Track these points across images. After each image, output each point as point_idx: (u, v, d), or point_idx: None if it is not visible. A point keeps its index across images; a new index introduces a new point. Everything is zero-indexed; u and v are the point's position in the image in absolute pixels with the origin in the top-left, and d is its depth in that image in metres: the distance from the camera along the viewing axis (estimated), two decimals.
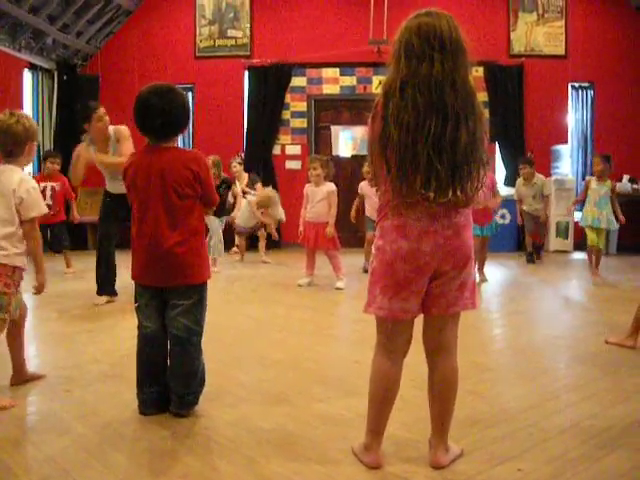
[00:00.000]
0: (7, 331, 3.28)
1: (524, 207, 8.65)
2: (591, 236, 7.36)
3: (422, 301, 2.31)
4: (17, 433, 2.76)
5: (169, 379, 2.88)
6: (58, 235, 7.71)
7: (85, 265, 8.21)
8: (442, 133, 2.11)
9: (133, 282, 2.98)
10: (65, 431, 2.73)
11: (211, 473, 2.35)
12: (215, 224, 7.49)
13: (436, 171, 2.12)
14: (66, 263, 7.73)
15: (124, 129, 5.51)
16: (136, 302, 2.92)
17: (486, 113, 10.01)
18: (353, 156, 10.50)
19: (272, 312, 5.47)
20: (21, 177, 3.14)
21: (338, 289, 6.50)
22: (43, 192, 7.39)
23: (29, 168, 5.24)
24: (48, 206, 7.27)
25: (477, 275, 6.68)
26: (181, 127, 2.92)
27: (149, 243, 2.81)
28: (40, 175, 8.00)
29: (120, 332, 4.54)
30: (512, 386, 3.37)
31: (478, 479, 2.28)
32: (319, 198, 6.60)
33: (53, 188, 7.73)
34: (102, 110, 5.44)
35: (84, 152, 5.55)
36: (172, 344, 2.86)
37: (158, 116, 2.80)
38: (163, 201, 2.79)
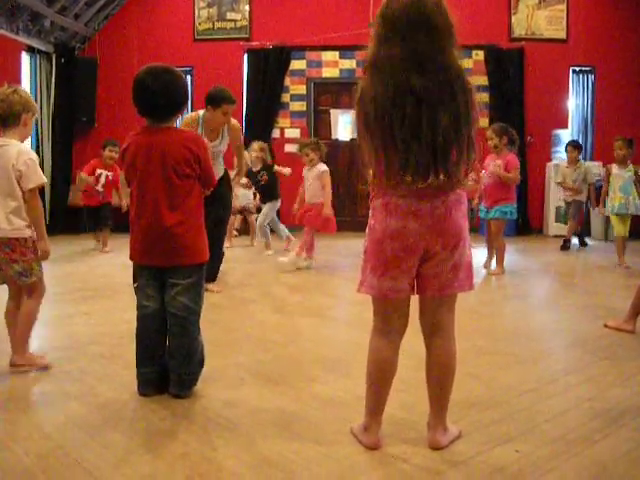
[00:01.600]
0: (7, 310, 3.31)
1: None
2: (618, 227, 7.15)
3: (416, 282, 2.30)
4: (16, 412, 2.76)
5: (168, 359, 2.88)
6: (104, 214, 8.11)
7: (79, 248, 8.24)
8: (418, 115, 2.08)
9: (132, 263, 2.98)
10: (64, 411, 2.74)
11: (210, 453, 2.35)
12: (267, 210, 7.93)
13: (414, 153, 2.10)
14: (103, 242, 8.06)
15: (238, 125, 5.56)
16: (135, 282, 2.93)
17: (485, 97, 10.09)
18: (352, 139, 10.46)
19: (270, 294, 5.47)
20: (19, 150, 3.19)
21: (281, 261, 6.66)
22: (98, 178, 8.02)
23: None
24: (98, 192, 7.86)
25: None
26: (178, 107, 2.90)
27: (148, 223, 2.81)
28: (98, 161, 8.27)
29: (117, 314, 4.53)
30: (511, 369, 3.37)
31: (477, 460, 2.28)
32: (311, 180, 6.74)
33: (107, 177, 8.11)
34: (234, 107, 5.30)
35: None
36: (171, 324, 2.85)
37: (155, 97, 2.80)
38: (163, 181, 2.78)
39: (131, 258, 2.94)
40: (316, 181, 6.68)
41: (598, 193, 8.08)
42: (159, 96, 2.80)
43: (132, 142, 2.88)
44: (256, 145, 8.08)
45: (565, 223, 9.25)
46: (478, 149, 2.25)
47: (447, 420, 2.40)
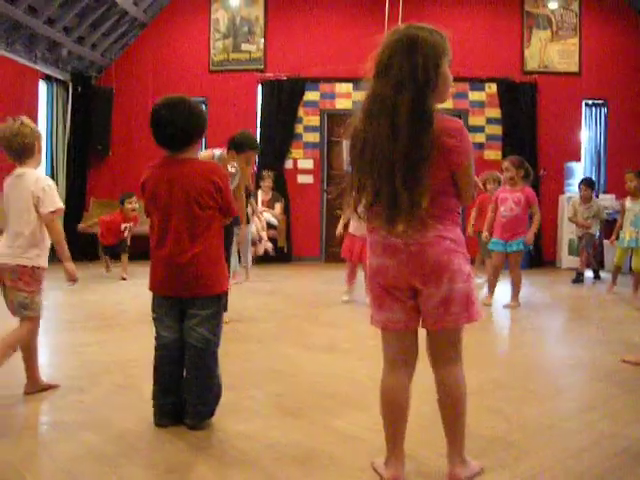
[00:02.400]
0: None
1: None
2: (619, 258, 7.42)
3: (418, 313, 2.29)
4: (31, 443, 2.73)
5: (184, 390, 2.85)
6: (121, 247, 8.33)
7: (92, 275, 8.24)
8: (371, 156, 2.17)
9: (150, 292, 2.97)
10: (79, 442, 2.70)
11: None
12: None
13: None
14: (122, 268, 8.18)
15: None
16: (154, 313, 2.90)
17: (498, 129, 10.13)
18: None
19: (284, 326, 5.45)
20: (37, 177, 3.26)
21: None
22: (124, 231, 8.25)
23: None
24: (125, 242, 8.21)
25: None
26: (195, 137, 2.89)
27: (169, 254, 2.80)
28: (121, 215, 8.41)
29: (131, 343, 4.53)
30: (530, 404, 3.33)
31: None
32: None
33: (130, 228, 8.34)
34: (257, 153, 5.45)
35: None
36: (189, 355, 2.83)
37: (170, 127, 2.81)
38: (185, 213, 2.79)
39: (150, 288, 2.93)
40: None
41: (612, 227, 8.10)
42: (174, 126, 2.80)
43: (152, 174, 2.89)
44: None
45: (578, 256, 9.21)
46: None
47: (465, 453, 2.36)
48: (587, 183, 8.71)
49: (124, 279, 7.89)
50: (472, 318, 2.27)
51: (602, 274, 9.04)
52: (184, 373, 2.89)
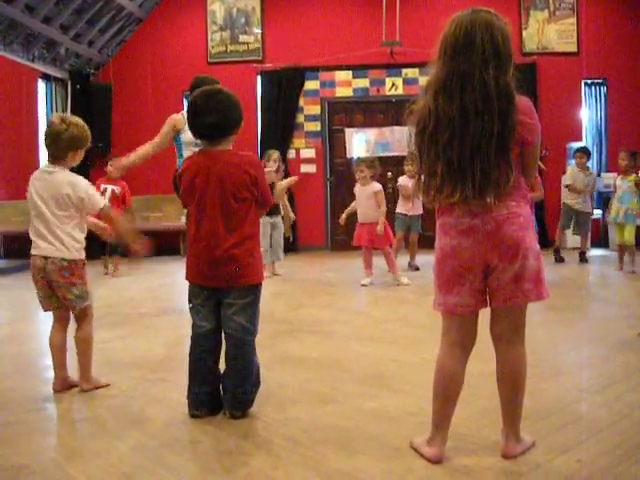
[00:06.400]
0: (55, 337, 3.34)
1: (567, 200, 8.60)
2: (618, 235, 7.60)
3: (485, 295, 2.33)
4: (71, 440, 2.77)
5: (225, 379, 2.89)
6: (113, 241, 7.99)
7: (95, 272, 8.22)
8: (451, 133, 2.24)
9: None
10: (120, 437, 2.72)
11: (274, 472, 2.35)
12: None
13: (446, 170, 2.25)
14: (115, 266, 8.04)
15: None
16: (190, 303, 2.93)
17: None
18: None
19: (301, 314, 5.48)
20: (70, 179, 3.28)
21: (402, 284, 6.75)
22: (103, 193, 7.58)
23: None
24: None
25: None
26: (233, 127, 2.91)
27: (206, 245, 2.83)
28: (104, 177, 8.16)
29: (151, 337, 4.56)
30: (556, 380, 3.38)
31: (540, 472, 2.28)
32: (365, 198, 6.75)
33: (113, 191, 7.98)
34: None
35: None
36: (228, 344, 2.87)
37: (209, 116, 2.83)
38: (220, 204, 2.80)
39: (187, 278, 2.95)
40: (371, 199, 6.68)
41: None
42: (209, 116, 2.82)
43: (189, 166, 2.90)
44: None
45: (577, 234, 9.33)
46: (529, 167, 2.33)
47: (520, 430, 2.41)
48: (583, 151, 8.64)
49: (116, 276, 7.83)
50: (541, 296, 2.32)
51: (605, 252, 9.09)
52: (218, 362, 2.92)
